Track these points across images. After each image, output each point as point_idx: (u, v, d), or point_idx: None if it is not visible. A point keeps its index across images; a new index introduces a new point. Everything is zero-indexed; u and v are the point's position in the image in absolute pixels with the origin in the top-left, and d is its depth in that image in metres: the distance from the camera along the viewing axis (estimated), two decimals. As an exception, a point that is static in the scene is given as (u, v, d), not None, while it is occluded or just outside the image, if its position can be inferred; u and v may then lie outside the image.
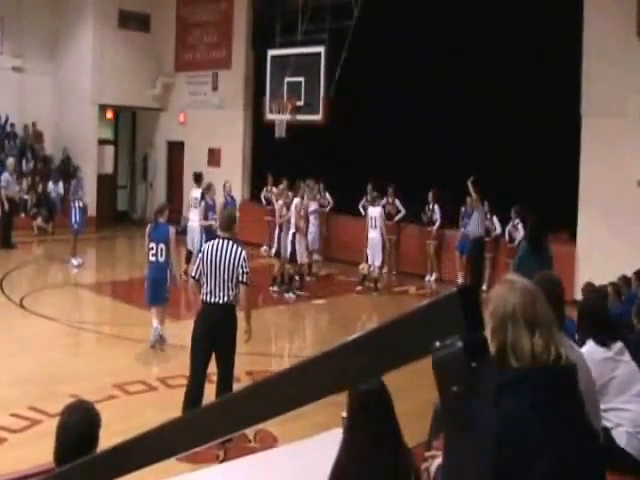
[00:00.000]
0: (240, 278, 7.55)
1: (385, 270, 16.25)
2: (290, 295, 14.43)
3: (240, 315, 7.67)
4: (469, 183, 14.83)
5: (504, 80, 15.44)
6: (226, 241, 7.67)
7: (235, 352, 7.67)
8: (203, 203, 15.37)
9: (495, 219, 15.43)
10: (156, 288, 10.69)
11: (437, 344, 1.37)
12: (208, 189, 15.32)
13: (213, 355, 7.64)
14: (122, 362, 10.11)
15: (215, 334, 7.49)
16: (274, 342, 11.72)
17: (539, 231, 9.77)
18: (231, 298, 7.57)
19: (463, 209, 15.88)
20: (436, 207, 16.41)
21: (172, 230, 10.79)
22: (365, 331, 1.48)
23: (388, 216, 16.78)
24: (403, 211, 16.97)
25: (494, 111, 15.65)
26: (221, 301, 7.52)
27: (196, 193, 15.87)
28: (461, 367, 1.34)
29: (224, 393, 7.20)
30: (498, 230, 15.44)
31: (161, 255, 10.57)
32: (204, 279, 7.55)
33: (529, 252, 10.95)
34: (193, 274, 7.75)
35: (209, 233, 14.24)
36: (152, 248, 10.61)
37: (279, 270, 14.73)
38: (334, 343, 1.52)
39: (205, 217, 15.24)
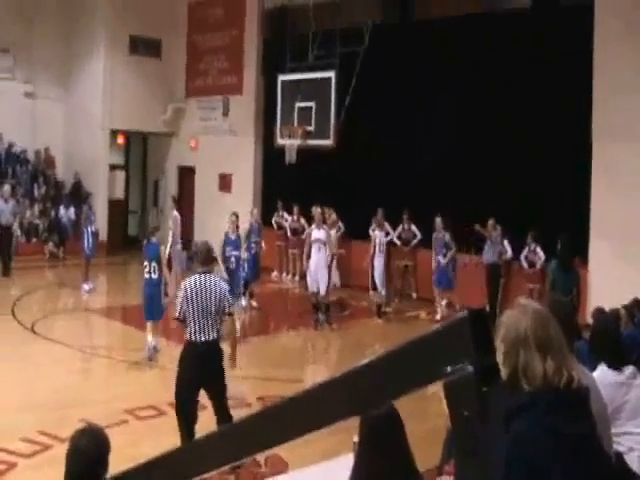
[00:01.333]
0: (226, 310, 7.51)
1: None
2: (325, 324, 14.30)
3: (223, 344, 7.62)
4: (476, 227, 15.15)
5: (515, 107, 15.51)
6: (207, 276, 7.56)
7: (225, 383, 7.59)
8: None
9: (506, 243, 15.37)
10: (150, 303, 11.42)
11: (448, 369, 1.38)
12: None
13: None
14: (133, 387, 10.11)
15: (208, 372, 7.39)
16: (286, 367, 11.70)
17: (569, 250, 9.99)
18: (219, 333, 7.48)
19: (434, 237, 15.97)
20: (447, 236, 16.33)
21: (162, 248, 11.68)
22: (376, 356, 1.49)
23: (405, 242, 16.86)
24: (419, 236, 16.99)
25: (506, 138, 15.69)
26: (211, 338, 7.40)
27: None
28: (472, 392, 1.35)
29: (225, 423, 7.20)
30: (509, 254, 15.39)
31: (154, 272, 11.36)
32: (190, 318, 7.35)
33: (559, 269, 11.09)
34: (177, 315, 7.45)
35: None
36: (146, 266, 11.47)
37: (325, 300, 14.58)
38: (345, 369, 1.53)
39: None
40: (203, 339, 7.35)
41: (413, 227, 17.06)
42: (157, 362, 11.30)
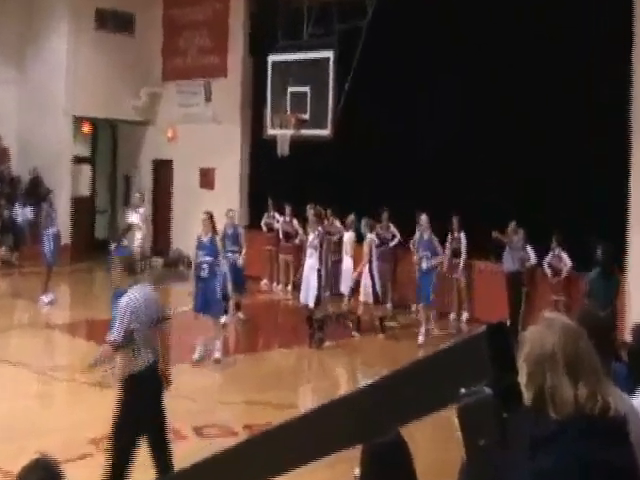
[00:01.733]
0: (163, 325, 7.43)
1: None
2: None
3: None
4: (494, 234, 15.28)
5: (544, 95, 15.47)
6: (147, 287, 7.46)
7: None
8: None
9: (529, 248, 15.39)
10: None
11: (463, 391, 1.38)
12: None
13: None
14: (99, 413, 10.08)
15: (160, 402, 7.24)
16: (276, 390, 11.69)
17: (612, 256, 10.05)
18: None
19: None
20: (462, 236, 16.40)
21: (134, 252, 12.17)
22: (381, 377, 1.49)
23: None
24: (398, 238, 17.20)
25: (530, 128, 15.68)
26: (157, 359, 7.25)
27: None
28: (490, 417, 1.35)
29: (169, 462, 7.05)
30: (533, 260, 15.42)
31: None
32: (140, 337, 7.10)
33: (600, 277, 11.21)
34: (117, 337, 7.06)
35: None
36: None
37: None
38: (345, 391, 1.54)
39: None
40: (154, 361, 7.18)
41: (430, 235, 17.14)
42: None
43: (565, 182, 15.33)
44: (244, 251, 15.51)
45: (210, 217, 13.22)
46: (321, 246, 14.20)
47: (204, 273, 12.80)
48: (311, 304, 14.04)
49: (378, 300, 14.94)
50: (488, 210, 15.70)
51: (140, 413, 7.07)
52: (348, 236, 15.94)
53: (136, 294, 7.20)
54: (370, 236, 14.89)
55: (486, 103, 16.30)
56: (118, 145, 25.76)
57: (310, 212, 15.14)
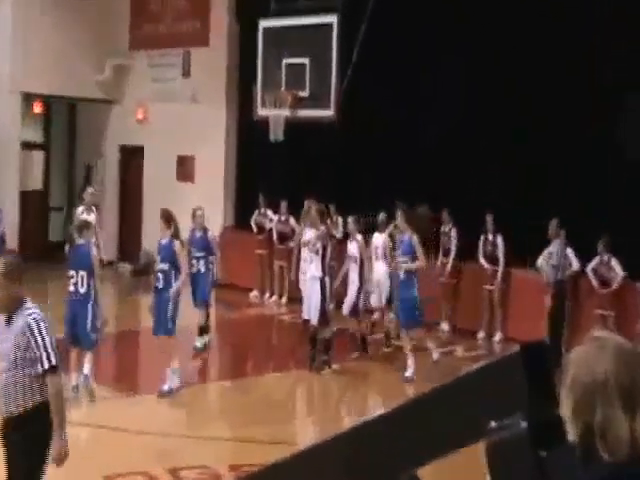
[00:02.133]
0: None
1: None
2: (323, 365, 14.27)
3: None
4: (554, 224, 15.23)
5: (587, 83, 15.57)
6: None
7: None
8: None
9: (570, 251, 15.36)
10: (77, 327, 11.74)
11: (493, 424, 1.38)
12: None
13: None
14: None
15: None
16: (269, 424, 11.70)
17: None
18: None
19: None
20: (499, 239, 16.37)
21: (94, 253, 12.04)
22: (395, 407, 1.48)
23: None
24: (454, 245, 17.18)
25: (568, 114, 15.75)
26: None
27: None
28: (525, 457, 1.34)
29: None
30: (575, 266, 15.38)
31: (81, 285, 11.72)
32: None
33: None
34: (53, 363, 6.64)
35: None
36: (72, 276, 11.79)
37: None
38: (348, 424, 1.54)
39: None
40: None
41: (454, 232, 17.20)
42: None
43: (614, 180, 15.36)
44: (217, 260, 15.52)
45: (167, 215, 12.94)
46: (324, 250, 14.16)
47: (159, 284, 12.64)
48: (314, 321, 13.98)
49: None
50: (531, 207, 15.73)
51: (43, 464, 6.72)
52: (382, 239, 15.91)
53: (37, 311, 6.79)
54: (383, 236, 15.04)
55: (490, 85, 16.56)
56: (77, 128, 25.75)
57: (311, 209, 15.07)
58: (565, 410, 2.22)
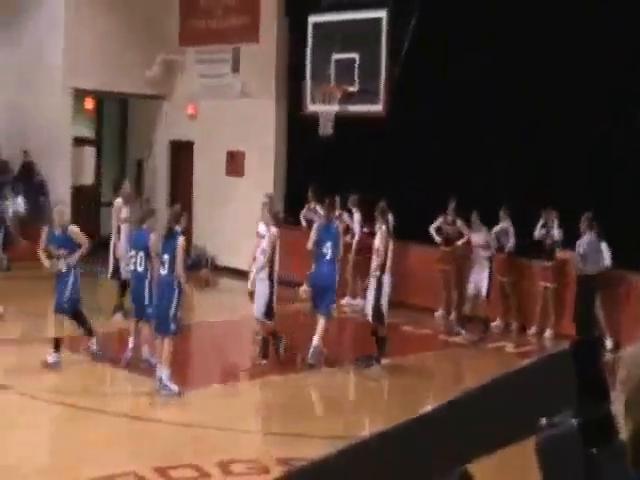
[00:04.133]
0: None
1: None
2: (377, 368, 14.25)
3: None
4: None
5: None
6: None
7: None
8: None
9: (604, 246, 15.31)
10: (142, 302, 13.12)
11: (543, 422, 1.37)
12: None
13: None
14: (101, 445, 10.19)
15: None
16: (319, 419, 11.73)
17: None
18: None
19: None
20: (556, 230, 16.24)
21: (153, 237, 13.09)
22: (441, 404, 1.48)
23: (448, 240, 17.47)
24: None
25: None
26: None
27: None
28: (576, 454, 1.33)
29: None
30: (607, 261, 15.36)
31: (140, 264, 13.10)
32: None
33: None
34: None
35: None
36: (132, 256, 13.31)
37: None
38: (398, 420, 1.53)
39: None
40: None
41: (459, 221, 17.37)
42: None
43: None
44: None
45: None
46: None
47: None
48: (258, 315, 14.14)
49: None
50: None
51: None
52: (483, 237, 16.10)
53: None
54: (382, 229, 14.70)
55: (502, 81, 16.77)
56: (128, 124, 25.94)
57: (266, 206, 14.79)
58: (618, 407, 2.20)
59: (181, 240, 12.42)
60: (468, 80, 17.24)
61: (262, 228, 14.33)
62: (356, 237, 18.69)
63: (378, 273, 14.03)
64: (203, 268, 21.78)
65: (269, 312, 14.03)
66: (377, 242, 14.25)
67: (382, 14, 16.55)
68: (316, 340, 13.89)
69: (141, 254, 13.07)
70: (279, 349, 14.15)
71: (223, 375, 13.31)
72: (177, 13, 23.83)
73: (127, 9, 23.17)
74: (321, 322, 14.13)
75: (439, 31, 17.22)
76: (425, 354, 15.46)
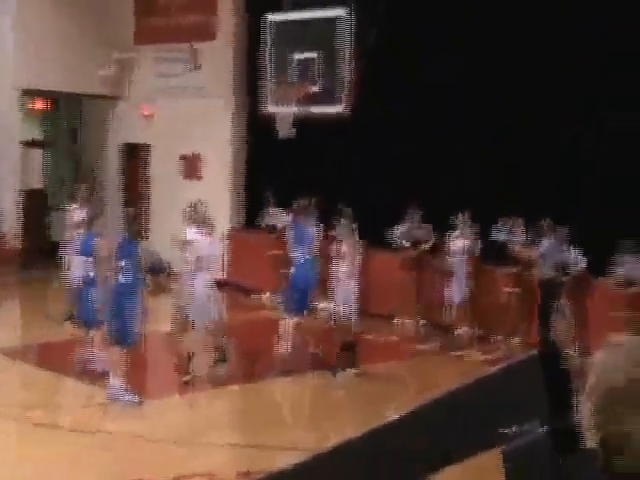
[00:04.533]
0: None
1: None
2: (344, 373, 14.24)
3: None
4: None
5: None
6: None
7: None
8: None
9: (574, 251, 15.55)
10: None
11: (509, 431, 1.38)
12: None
13: None
14: (58, 464, 10.12)
15: None
16: (280, 429, 11.73)
17: None
18: None
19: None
20: (520, 237, 16.38)
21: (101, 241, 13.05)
22: (406, 412, 1.49)
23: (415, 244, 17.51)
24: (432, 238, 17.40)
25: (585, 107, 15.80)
26: None
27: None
28: (544, 463, 1.35)
29: None
30: (580, 265, 15.56)
31: (92, 270, 13.05)
32: None
33: None
34: None
35: None
36: (84, 262, 13.25)
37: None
38: (361, 430, 1.55)
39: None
40: None
41: (424, 226, 17.62)
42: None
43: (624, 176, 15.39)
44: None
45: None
46: None
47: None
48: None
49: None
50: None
51: None
52: (463, 243, 16.28)
53: None
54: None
55: (473, 85, 16.90)
56: (80, 126, 25.78)
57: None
58: (585, 416, 2.23)
59: (141, 245, 12.39)
60: (436, 82, 17.29)
61: (194, 232, 14.04)
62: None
63: (348, 279, 14.14)
64: (160, 274, 21.69)
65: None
66: (345, 247, 14.30)
67: (343, 12, 16.57)
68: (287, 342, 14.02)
69: (91, 259, 13.01)
70: (220, 360, 14.03)
71: (180, 386, 13.23)
72: (132, 11, 23.74)
73: (79, 7, 23.06)
74: (291, 323, 14.32)
75: (408, 32, 17.29)
76: (390, 362, 15.49)
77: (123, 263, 12.13)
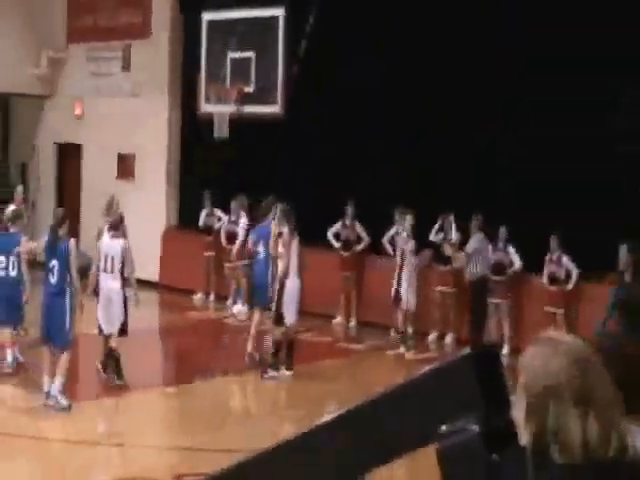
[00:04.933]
0: None
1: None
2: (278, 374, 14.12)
3: None
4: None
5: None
6: None
7: None
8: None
9: (511, 249, 15.74)
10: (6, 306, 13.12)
11: (443, 428, 1.40)
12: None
13: None
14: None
15: None
16: (217, 431, 11.71)
17: None
18: None
19: None
20: (454, 234, 16.48)
21: (24, 239, 13.26)
22: (343, 412, 1.50)
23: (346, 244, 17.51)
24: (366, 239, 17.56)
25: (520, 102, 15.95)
26: None
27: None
28: (477, 460, 1.37)
29: None
30: (517, 265, 15.78)
31: (12, 268, 13.11)
32: None
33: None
34: None
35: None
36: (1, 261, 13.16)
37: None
38: (299, 430, 1.56)
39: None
40: None
41: (358, 226, 17.61)
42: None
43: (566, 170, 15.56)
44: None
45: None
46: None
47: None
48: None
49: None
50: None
51: None
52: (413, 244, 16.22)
53: None
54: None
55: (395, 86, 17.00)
56: (10, 125, 25.51)
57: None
58: (518, 412, 2.26)
59: (72, 244, 12.10)
60: (358, 85, 17.39)
61: (109, 242, 13.39)
62: (239, 241, 18.51)
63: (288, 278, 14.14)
64: (90, 275, 21.54)
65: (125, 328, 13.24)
66: (279, 246, 14.28)
67: (279, 12, 16.56)
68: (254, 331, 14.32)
69: (12, 258, 13.04)
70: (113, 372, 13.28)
71: (114, 387, 13.12)
72: (64, 7, 23.50)
73: (9, 4, 22.80)
74: (256, 316, 14.52)
75: (333, 34, 17.33)
76: (325, 362, 15.53)
77: (54, 263, 11.98)
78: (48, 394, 11.80)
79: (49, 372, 11.91)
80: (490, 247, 15.91)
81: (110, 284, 13.09)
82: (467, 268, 15.96)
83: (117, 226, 13.33)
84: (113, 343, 13.08)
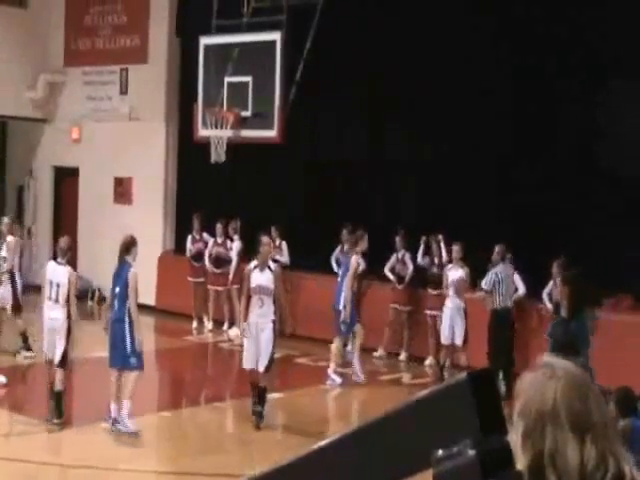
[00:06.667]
0: None
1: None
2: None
3: None
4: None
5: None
6: None
7: None
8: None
9: (517, 277, 15.51)
10: None
11: (440, 453, 1.38)
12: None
13: None
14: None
15: None
16: (214, 455, 11.68)
17: None
18: None
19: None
20: (444, 255, 16.43)
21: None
22: (337, 437, 1.49)
23: (399, 278, 17.21)
24: (411, 267, 17.20)
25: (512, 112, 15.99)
26: None
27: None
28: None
29: None
30: (521, 291, 15.55)
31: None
32: None
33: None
34: None
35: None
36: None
37: None
38: (292, 456, 1.54)
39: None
40: None
41: (407, 256, 17.32)
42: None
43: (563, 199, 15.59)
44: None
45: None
46: None
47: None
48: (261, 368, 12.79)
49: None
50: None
51: None
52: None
53: None
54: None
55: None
56: (7, 148, 25.48)
57: (266, 241, 13.70)
58: (515, 437, 2.24)
59: (74, 274, 12.13)
60: (366, 101, 17.48)
61: (55, 268, 12.68)
62: (233, 266, 18.51)
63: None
64: (88, 301, 21.54)
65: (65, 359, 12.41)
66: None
67: (276, 36, 16.59)
68: None
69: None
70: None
71: (108, 412, 13.05)
72: (62, 31, 23.58)
73: (7, 27, 22.81)
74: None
75: (333, 54, 17.49)
76: (319, 387, 15.46)
77: (117, 290, 11.94)
78: (115, 420, 11.75)
79: (116, 398, 11.85)
80: (516, 275, 15.46)
81: (48, 312, 12.49)
82: (490, 299, 15.32)
83: (64, 253, 12.80)
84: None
